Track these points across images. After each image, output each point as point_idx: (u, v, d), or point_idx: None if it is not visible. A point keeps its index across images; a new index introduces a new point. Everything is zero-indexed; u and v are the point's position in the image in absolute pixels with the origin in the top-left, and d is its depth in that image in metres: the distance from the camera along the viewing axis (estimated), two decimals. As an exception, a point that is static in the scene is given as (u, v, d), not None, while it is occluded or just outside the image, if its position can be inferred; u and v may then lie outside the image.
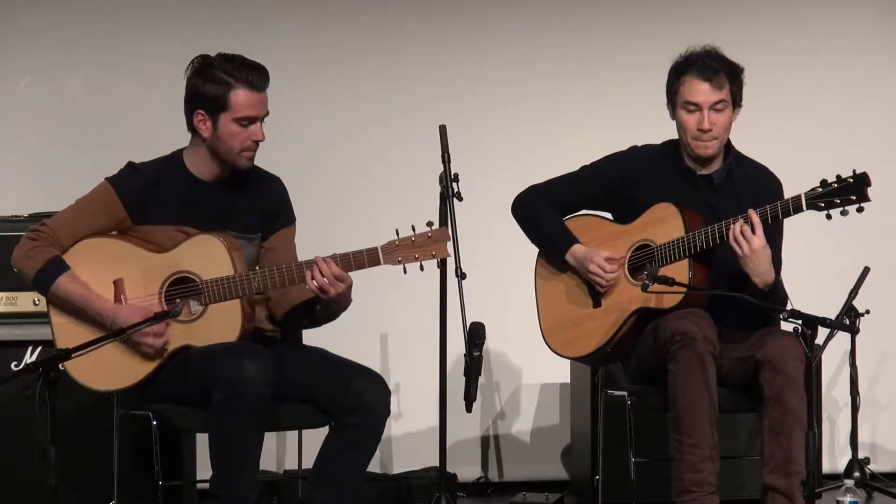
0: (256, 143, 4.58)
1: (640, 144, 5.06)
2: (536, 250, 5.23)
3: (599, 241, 4.96)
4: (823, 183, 4.58)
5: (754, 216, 4.64)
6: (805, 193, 4.59)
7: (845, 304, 5.11)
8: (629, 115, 6.32)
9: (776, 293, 4.75)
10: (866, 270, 5.28)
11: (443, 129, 4.89)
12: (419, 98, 6.36)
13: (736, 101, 4.87)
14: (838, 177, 4.57)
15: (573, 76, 6.45)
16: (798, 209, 4.61)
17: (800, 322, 4.28)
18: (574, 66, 6.45)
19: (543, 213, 5.05)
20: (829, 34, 6.52)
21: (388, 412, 4.56)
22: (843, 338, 5.58)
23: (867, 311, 5.52)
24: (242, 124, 4.55)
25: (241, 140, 4.57)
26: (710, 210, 4.82)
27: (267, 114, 4.59)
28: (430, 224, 4.42)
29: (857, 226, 4.73)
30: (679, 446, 4.66)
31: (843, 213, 4.55)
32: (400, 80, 6.38)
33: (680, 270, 4.76)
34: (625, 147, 5.09)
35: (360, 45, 6.38)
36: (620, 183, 4.97)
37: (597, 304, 4.95)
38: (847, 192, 4.54)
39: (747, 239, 4.64)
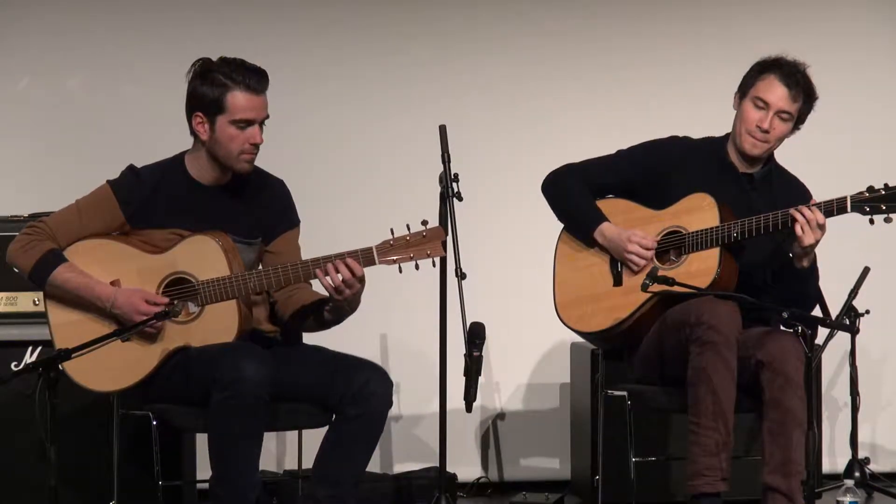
0: (255, 146, 4.58)
1: (680, 135, 5.09)
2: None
3: (631, 223, 4.96)
4: (870, 189, 4.64)
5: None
6: (851, 196, 4.65)
7: (845, 304, 5.11)
8: (630, 115, 6.33)
9: (815, 278, 4.83)
10: (866, 270, 5.28)
11: (443, 129, 4.89)
12: (419, 98, 6.35)
13: (799, 121, 4.92)
14: (886, 185, 4.63)
15: (573, 76, 6.45)
16: (842, 210, 4.66)
17: (800, 322, 4.29)
18: (574, 67, 6.45)
19: (575, 190, 5.04)
20: (831, 35, 6.52)
21: (390, 403, 4.56)
22: (843, 338, 5.59)
23: (867, 311, 5.53)
24: (240, 127, 4.55)
25: (239, 143, 4.56)
26: (748, 207, 4.85)
27: (266, 117, 4.58)
28: (425, 223, 4.41)
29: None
30: (696, 429, 4.66)
31: (887, 220, 4.62)
32: (400, 81, 6.38)
33: (709, 259, 4.78)
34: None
35: (360, 46, 6.38)
36: (658, 169, 4.98)
37: (618, 283, 4.95)
38: (895, 199, 4.60)
39: (816, 216, 4.66)
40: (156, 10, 6.29)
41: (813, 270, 4.82)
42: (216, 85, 4.52)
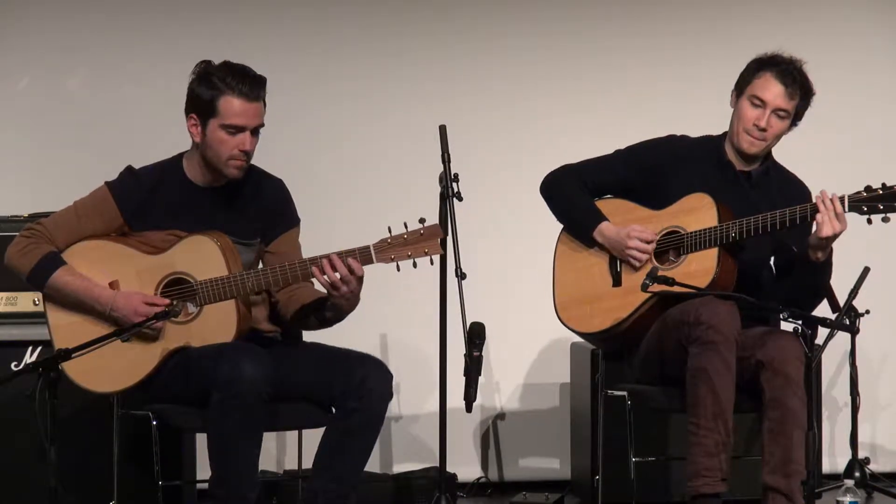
0: (244, 153, 4.56)
1: (678, 134, 5.08)
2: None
3: (629, 223, 4.95)
4: (868, 188, 4.64)
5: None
6: (849, 196, 4.65)
7: (845, 304, 5.10)
8: (630, 115, 6.33)
9: (829, 270, 4.82)
10: (866, 270, 5.27)
11: (443, 129, 4.89)
12: (419, 98, 6.35)
13: (796, 118, 4.92)
14: (883, 184, 4.63)
15: (573, 76, 6.45)
16: None
17: (800, 322, 4.29)
18: (574, 67, 6.45)
19: (573, 190, 5.04)
20: (830, 35, 6.52)
21: (389, 396, 4.56)
22: (843, 338, 5.58)
23: (867, 311, 5.53)
24: (230, 132, 4.53)
25: (229, 148, 4.54)
26: (747, 205, 4.84)
27: (261, 125, 4.56)
28: (422, 221, 4.40)
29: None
30: (695, 430, 4.65)
31: (885, 219, 4.62)
32: (400, 80, 6.38)
33: (708, 259, 4.78)
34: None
35: (359, 45, 6.37)
36: (656, 168, 4.98)
37: (617, 284, 4.95)
38: (892, 199, 4.60)
39: (835, 206, 4.64)
40: (156, 10, 6.29)
41: (827, 265, 4.80)
42: (211, 88, 4.51)
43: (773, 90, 4.87)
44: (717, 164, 4.97)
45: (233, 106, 4.51)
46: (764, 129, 4.87)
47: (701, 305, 4.68)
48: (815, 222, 4.66)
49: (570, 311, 5.03)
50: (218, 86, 4.51)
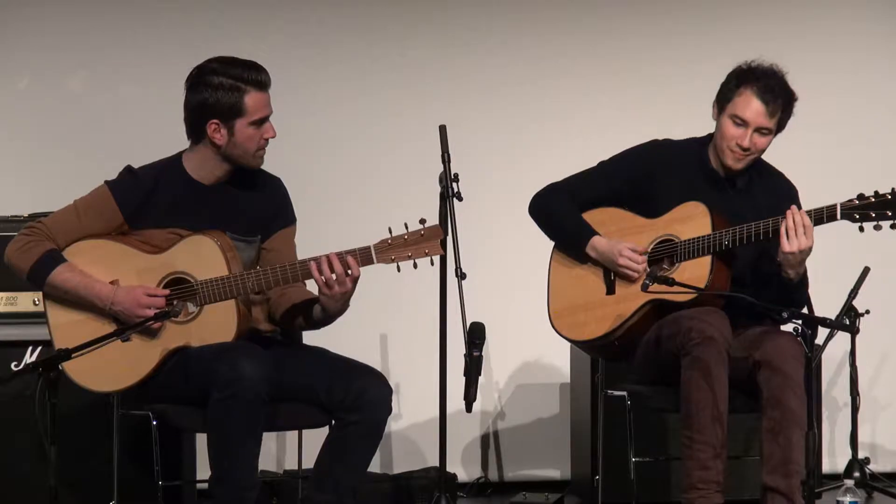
0: (267, 140, 4.60)
1: (660, 138, 5.07)
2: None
3: (623, 232, 4.95)
4: (860, 196, 4.62)
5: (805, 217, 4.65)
6: (841, 204, 4.63)
7: (845, 304, 5.11)
8: (629, 115, 6.33)
9: (804, 287, 4.80)
10: (866, 270, 5.28)
11: (443, 129, 4.89)
12: (419, 98, 6.35)
13: (780, 128, 4.87)
14: (876, 192, 4.60)
15: (574, 77, 6.45)
16: (832, 218, 4.64)
17: (800, 322, 4.28)
18: (575, 67, 6.45)
19: (561, 208, 5.03)
20: (830, 35, 6.52)
21: (389, 410, 4.56)
22: (843, 338, 5.59)
23: (867, 311, 5.53)
24: (257, 125, 4.56)
25: (257, 141, 4.58)
26: (732, 211, 4.83)
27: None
28: (423, 221, 4.40)
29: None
30: (689, 443, 4.65)
31: (877, 227, 4.60)
32: (400, 80, 6.38)
33: (701, 267, 4.77)
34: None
35: (360, 46, 6.38)
36: (643, 176, 4.96)
37: (610, 292, 4.95)
38: (884, 207, 4.59)
39: (802, 219, 4.63)
40: (155, 10, 6.29)
41: (801, 285, 4.80)
42: (230, 90, 4.52)
43: (753, 108, 4.80)
44: (701, 170, 4.95)
45: (258, 101, 4.55)
46: (748, 149, 4.84)
47: (695, 313, 4.67)
48: (780, 238, 4.65)
49: (563, 319, 5.03)
50: (237, 86, 4.52)
